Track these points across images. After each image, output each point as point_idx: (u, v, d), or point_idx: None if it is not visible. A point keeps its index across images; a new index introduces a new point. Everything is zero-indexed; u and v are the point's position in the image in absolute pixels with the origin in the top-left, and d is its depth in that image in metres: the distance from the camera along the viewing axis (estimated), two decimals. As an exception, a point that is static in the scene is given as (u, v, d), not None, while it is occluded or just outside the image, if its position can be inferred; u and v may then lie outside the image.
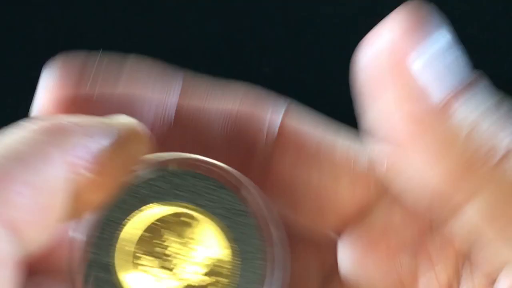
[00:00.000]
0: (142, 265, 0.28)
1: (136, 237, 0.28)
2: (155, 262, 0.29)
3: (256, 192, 0.28)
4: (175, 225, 0.29)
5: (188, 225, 0.29)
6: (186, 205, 0.28)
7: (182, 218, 0.29)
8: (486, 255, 0.27)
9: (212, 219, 0.28)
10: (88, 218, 0.28)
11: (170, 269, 0.29)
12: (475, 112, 0.26)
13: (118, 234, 0.28)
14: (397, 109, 0.26)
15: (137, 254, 0.28)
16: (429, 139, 0.26)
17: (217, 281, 0.29)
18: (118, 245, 0.28)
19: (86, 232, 0.28)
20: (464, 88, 0.26)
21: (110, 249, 0.28)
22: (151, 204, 0.28)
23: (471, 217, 0.26)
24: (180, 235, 0.29)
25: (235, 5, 0.73)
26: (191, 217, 0.29)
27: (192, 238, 0.29)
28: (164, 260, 0.29)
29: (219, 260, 0.29)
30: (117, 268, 0.28)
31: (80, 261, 0.28)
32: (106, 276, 0.28)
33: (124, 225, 0.28)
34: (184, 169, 0.28)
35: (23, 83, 0.75)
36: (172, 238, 0.29)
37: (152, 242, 0.29)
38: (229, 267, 0.28)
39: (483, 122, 0.26)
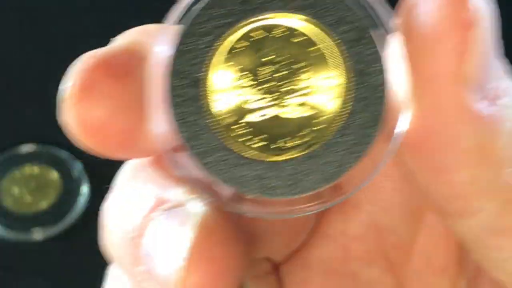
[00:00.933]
0: (236, 84, 0.24)
1: (236, 53, 0.24)
2: (252, 81, 0.24)
3: (399, 39, 0.24)
4: (284, 43, 0.24)
5: (300, 45, 0.24)
6: (306, 20, 0.23)
7: (295, 37, 0.24)
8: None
9: (332, 43, 0.23)
10: (177, 22, 0.23)
11: (265, 93, 0.24)
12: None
13: (215, 45, 0.23)
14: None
15: (233, 70, 0.24)
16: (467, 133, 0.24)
17: (316, 120, 0.24)
18: (213, 58, 0.23)
19: (176, 40, 0.23)
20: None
21: (203, 62, 0.23)
22: (261, 13, 0.23)
23: (483, 222, 0.25)
24: (287, 55, 0.24)
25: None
26: (309, 38, 0.24)
27: (301, 62, 0.24)
28: (261, 82, 0.24)
29: (327, 95, 0.24)
30: (206, 84, 0.23)
31: (166, 73, 0.23)
32: (193, 92, 0.23)
33: (224, 35, 0.23)
34: None
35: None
36: (278, 59, 0.24)
37: (253, 59, 0.24)
38: (336, 109, 0.24)
39: None
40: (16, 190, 0.70)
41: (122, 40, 0.26)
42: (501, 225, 0.25)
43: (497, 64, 0.25)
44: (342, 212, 0.30)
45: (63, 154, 0.70)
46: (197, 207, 0.24)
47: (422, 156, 0.25)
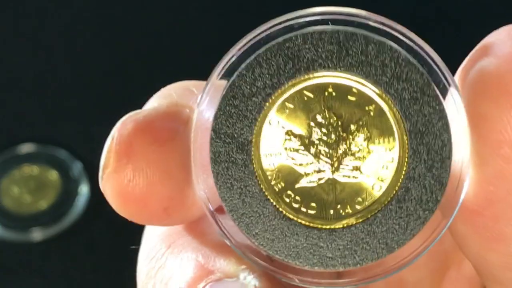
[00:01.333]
0: (286, 147, 0.22)
1: (289, 114, 0.22)
2: (304, 143, 0.22)
3: (458, 91, 0.22)
4: (337, 103, 0.22)
5: (354, 105, 0.22)
6: (359, 78, 0.22)
7: (348, 96, 0.22)
8: None
9: (388, 102, 0.22)
10: (220, 85, 0.22)
11: (318, 157, 0.22)
12: None
13: (264, 106, 0.22)
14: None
15: (284, 133, 0.22)
16: None
17: (371, 185, 0.22)
18: (261, 120, 0.22)
19: (220, 100, 0.22)
20: None
21: (251, 124, 0.22)
22: (312, 72, 0.21)
23: None
24: (340, 116, 0.22)
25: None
26: (363, 97, 0.22)
27: (356, 123, 0.22)
28: (314, 144, 0.22)
29: (383, 159, 0.22)
30: (255, 147, 0.22)
31: (209, 136, 0.22)
32: (239, 155, 0.22)
33: (273, 95, 0.22)
34: (360, 30, 0.21)
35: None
36: (331, 119, 0.22)
37: (305, 119, 0.22)
38: (394, 173, 0.22)
39: None
40: (15, 190, 0.70)
41: (162, 101, 0.24)
42: None
43: None
44: None
45: (63, 154, 0.70)
46: (251, 279, 0.23)
47: (478, 223, 0.23)
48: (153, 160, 0.23)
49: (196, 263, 0.24)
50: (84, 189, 0.68)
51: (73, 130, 0.70)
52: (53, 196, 0.69)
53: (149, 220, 0.24)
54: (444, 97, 0.21)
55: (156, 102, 0.24)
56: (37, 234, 0.67)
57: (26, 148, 0.71)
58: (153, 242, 0.26)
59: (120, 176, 0.23)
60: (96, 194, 0.68)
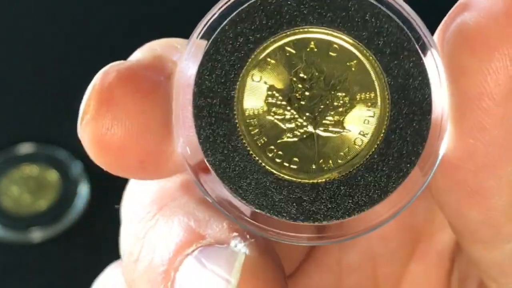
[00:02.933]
0: (269, 102, 0.22)
1: (270, 69, 0.22)
2: (286, 98, 0.22)
3: (438, 54, 0.22)
4: (318, 58, 0.22)
5: (335, 60, 0.22)
6: (340, 34, 0.22)
7: (330, 52, 0.22)
8: None
9: (369, 58, 0.22)
10: (203, 42, 0.22)
11: (300, 111, 0.22)
12: None
13: (246, 61, 0.22)
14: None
15: (266, 88, 0.22)
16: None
17: (353, 139, 0.23)
18: (243, 75, 0.22)
19: (202, 56, 0.22)
20: None
21: (234, 79, 0.22)
22: (293, 28, 0.22)
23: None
24: (322, 71, 0.22)
25: None
26: (345, 52, 0.22)
27: (337, 78, 0.22)
28: (296, 99, 0.22)
29: (365, 113, 0.22)
30: (237, 102, 0.22)
31: (192, 92, 0.22)
32: (222, 110, 0.22)
33: (256, 51, 0.22)
34: None
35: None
36: (312, 75, 0.22)
37: (287, 75, 0.22)
38: (375, 127, 0.22)
39: None
40: (15, 190, 0.70)
41: (146, 53, 0.24)
42: None
43: None
44: None
45: (62, 154, 0.70)
46: (241, 247, 0.23)
47: (459, 178, 0.23)
48: (133, 111, 0.23)
49: (187, 227, 0.24)
50: (83, 189, 0.68)
51: (73, 130, 0.70)
52: (52, 196, 0.69)
53: (124, 172, 0.24)
54: (423, 53, 0.22)
55: (140, 54, 0.24)
56: (37, 234, 0.67)
57: (26, 148, 0.71)
58: (143, 203, 0.26)
59: (98, 124, 0.23)
60: (96, 194, 0.68)
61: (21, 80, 0.74)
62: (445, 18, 0.23)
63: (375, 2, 0.22)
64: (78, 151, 0.72)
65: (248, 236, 0.23)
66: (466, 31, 0.22)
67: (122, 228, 0.28)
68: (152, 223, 0.25)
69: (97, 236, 0.66)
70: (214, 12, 0.22)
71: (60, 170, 0.69)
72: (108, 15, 0.76)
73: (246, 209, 0.23)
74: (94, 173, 0.69)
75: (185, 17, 0.72)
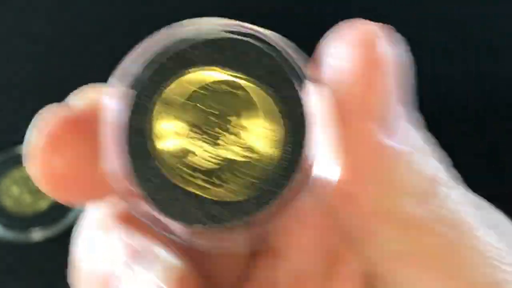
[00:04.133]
0: (179, 133, 0.27)
1: (176, 104, 0.27)
2: (194, 131, 0.27)
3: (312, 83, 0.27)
4: (218, 94, 0.26)
5: (233, 95, 0.27)
6: (233, 73, 0.26)
7: (227, 87, 0.27)
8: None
9: (261, 90, 0.26)
10: (124, 81, 0.27)
11: (209, 140, 0.27)
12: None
13: (156, 99, 0.26)
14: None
15: (175, 122, 0.27)
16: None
17: (258, 158, 0.27)
18: (155, 111, 0.26)
19: (120, 96, 0.26)
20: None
21: (146, 114, 0.26)
22: (193, 69, 0.26)
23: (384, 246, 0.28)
24: (223, 104, 0.27)
25: None
26: (237, 86, 0.26)
27: (237, 109, 0.27)
28: (205, 131, 0.27)
29: (264, 136, 0.27)
30: (153, 134, 0.26)
31: (113, 126, 0.26)
32: (140, 140, 0.26)
33: (162, 90, 0.26)
34: (233, 35, 0.26)
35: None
36: (215, 108, 0.26)
37: (193, 111, 0.27)
38: (276, 146, 0.26)
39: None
40: (15, 190, 0.70)
41: (82, 99, 0.30)
42: (401, 250, 0.28)
43: (398, 106, 0.27)
44: (268, 257, 0.31)
45: (63, 154, 0.70)
46: (169, 258, 0.28)
47: (343, 192, 0.27)
48: (73, 146, 0.28)
49: (123, 242, 0.29)
50: (84, 189, 0.68)
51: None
52: (53, 196, 0.69)
53: (68, 197, 0.30)
54: (300, 85, 0.26)
55: (75, 100, 0.30)
56: (37, 234, 0.67)
57: (26, 148, 0.71)
58: (87, 223, 0.32)
59: (45, 159, 0.28)
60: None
61: (21, 80, 0.75)
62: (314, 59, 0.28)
63: (254, 42, 0.26)
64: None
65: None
66: (334, 61, 0.27)
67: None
68: (90, 241, 0.31)
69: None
70: (130, 58, 0.27)
71: (61, 170, 0.69)
72: (108, 15, 0.76)
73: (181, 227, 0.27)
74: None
75: (185, 17, 0.72)
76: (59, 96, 0.73)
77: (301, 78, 0.26)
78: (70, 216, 0.68)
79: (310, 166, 0.26)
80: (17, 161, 0.70)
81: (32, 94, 0.73)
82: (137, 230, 0.29)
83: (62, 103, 0.30)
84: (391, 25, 0.27)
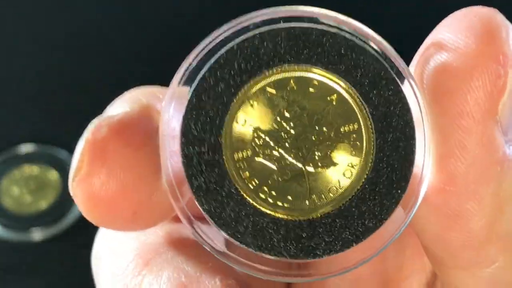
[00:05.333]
0: (256, 144, 0.23)
1: (252, 110, 0.22)
2: (272, 140, 0.23)
3: (413, 80, 0.22)
4: (300, 96, 0.23)
5: (316, 96, 0.23)
6: (318, 70, 0.22)
7: (310, 88, 0.23)
8: None
9: (349, 90, 0.22)
10: (184, 89, 0.22)
11: (287, 150, 0.23)
12: None
13: (230, 106, 0.22)
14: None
15: (252, 131, 0.23)
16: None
17: (342, 172, 0.23)
18: (228, 120, 0.22)
19: (186, 105, 0.22)
20: None
21: (219, 125, 0.22)
22: (272, 69, 0.22)
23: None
24: (304, 108, 0.23)
25: None
26: (324, 87, 0.23)
27: (320, 114, 0.23)
28: (282, 139, 0.23)
29: (351, 145, 0.23)
30: (225, 148, 0.22)
31: (180, 142, 0.22)
32: (211, 157, 0.22)
33: (237, 95, 0.22)
34: (313, 24, 0.22)
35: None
36: (296, 113, 0.23)
37: (270, 117, 0.23)
38: (362, 157, 0.23)
39: None
40: (15, 190, 0.70)
41: (132, 105, 0.24)
42: (510, 279, 0.24)
43: None
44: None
45: (63, 154, 0.70)
46: None
47: (440, 201, 0.23)
48: (127, 165, 0.23)
49: (179, 283, 0.24)
50: (84, 189, 0.68)
51: (73, 130, 0.70)
52: (53, 196, 0.69)
53: (116, 224, 0.24)
54: (400, 80, 0.22)
55: (126, 105, 0.24)
56: (37, 234, 0.67)
57: (26, 148, 0.71)
58: (128, 258, 0.26)
59: (93, 180, 0.23)
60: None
61: (21, 80, 0.74)
62: (419, 53, 0.23)
63: (348, 36, 0.22)
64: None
65: None
66: (444, 59, 0.22)
67: (100, 282, 0.27)
68: (139, 280, 0.25)
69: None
70: (193, 58, 0.22)
71: (61, 170, 0.69)
72: (109, 16, 0.76)
73: (241, 254, 0.23)
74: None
75: (185, 17, 0.72)
76: (60, 96, 0.73)
77: (405, 79, 0.22)
78: (70, 216, 0.68)
79: (419, 187, 0.23)
80: (18, 161, 0.70)
81: (32, 95, 0.73)
82: (196, 269, 0.24)
83: (111, 112, 0.24)
84: (392, 21, 0.25)
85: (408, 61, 0.24)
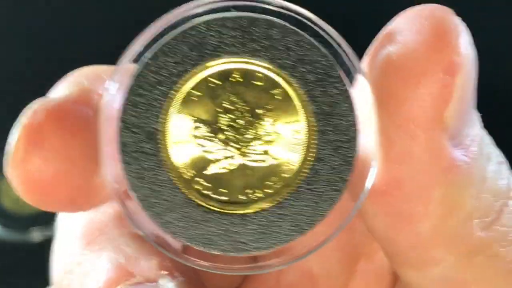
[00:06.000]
0: (194, 135, 0.22)
1: (194, 100, 0.22)
2: (212, 130, 0.22)
3: (365, 79, 0.22)
4: (243, 88, 0.22)
5: (260, 89, 0.22)
6: (264, 63, 0.22)
7: (254, 81, 0.22)
8: None
9: (293, 85, 0.22)
10: (129, 71, 0.21)
11: (227, 142, 0.22)
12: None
13: (170, 95, 0.22)
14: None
15: (191, 121, 0.22)
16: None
17: (282, 168, 0.23)
18: (167, 109, 0.22)
19: (127, 90, 0.22)
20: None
21: (158, 113, 0.22)
22: (216, 59, 0.22)
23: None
24: (247, 101, 0.22)
25: None
26: (269, 81, 0.22)
27: (262, 108, 0.22)
28: (222, 131, 0.22)
29: (291, 141, 0.22)
30: (163, 136, 0.22)
31: (117, 127, 0.22)
32: (148, 145, 0.22)
33: (179, 83, 0.22)
34: (263, 16, 0.21)
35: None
36: (237, 105, 0.22)
37: (212, 106, 0.22)
38: (302, 155, 0.22)
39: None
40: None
41: (72, 87, 0.24)
42: (460, 277, 0.24)
43: (472, 111, 0.24)
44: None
45: (63, 154, 0.70)
46: (170, 286, 0.24)
47: (388, 204, 0.23)
48: (62, 150, 0.23)
49: (117, 263, 0.24)
50: (84, 189, 0.68)
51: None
52: (53, 196, 0.69)
53: (54, 208, 0.24)
54: (349, 79, 0.22)
55: (66, 88, 0.24)
56: (37, 234, 0.67)
57: (26, 148, 0.71)
58: (71, 236, 0.26)
59: (28, 165, 0.23)
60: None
61: (21, 80, 0.74)
62: (372, 48, 0.23)
63: (298, 30, 0.21)
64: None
65: (177, 274, 0.23)
66: (394, 60, 0.22)
67: (52, 257, 0.28)
68: (80, 259, 0.25)
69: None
70: (138, 44, 0.22)
71: (60, 170, 0.69)
72: (108, 15, 0.76)
73: (176, 242, 0.23)
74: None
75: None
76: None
77: (352, 73, 0.22)
78: (70, 216, 0.68)
79: (363, 174, 0.22)
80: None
81: (32, 94, 0.73)
82: (135, 250, 0.24)
83: (48, 95, 0.24)
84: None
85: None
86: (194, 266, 0.23)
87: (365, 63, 0.23)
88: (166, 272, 0.24)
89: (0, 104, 0.74)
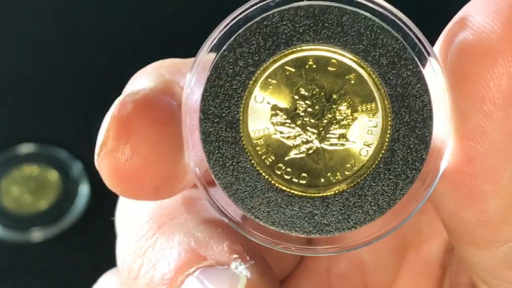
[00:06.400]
0: (274, 122, 0.23)
1: (271, 88, 0.23)
2: (289, 117, 0.23)
3: (437, 60, 0.22)
4: (318, 74, 0.23)
5: (334, 75, 0.23)
6: (337, 49, 0.22)
7: (328, 67, 0.23)
8: None
9: (367, 69, 0.23)
10: (206, 63, 0.22)
11: (305, 128, 0.23)
12: None
13: (248, 84, 0.23)
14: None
15: (269, 108, 0.23)
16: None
17: (357, 151, 0.23)
18: (246, 98, 0.23)
19: (205, 82, 0.22)
20: None
21: (237, 102, 0.22)
22: (291, 47, 0.22)
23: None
24: (322, 87, 0.23)
25: None
26: (343, 66, 0.23)
27: (338, 92, 0.23)
28: (299, 116, 0.23)
29: (367, 124, 0.23)
30: (243, 124, 0.23)
31: (198, 117, 0.22)
32: (229, 134, 0.23)
33: (256, 73, 0.23)
34: (334, 3, 0.22)
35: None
36: (313, 91, 0.23)
37: (289, 93, 0.23)
38: (379, 136, 0.23)
39: None
40: (15, 190, 0.70)
41: (156, 80, 0.25)
42: None
43: None
44: None
45: (63, 154, 0.70)
46: (242, 269, 0.24)
47: (457, 180, 0.24)
48: (151, 140, 0.24)
49: (188, 247, 0.25)
50: (84, 189, 0.68)
51: (73, 130, 0.70)
52: (53, 196, 0.69)
53: (139, 197, 0.25)
54: (420, 60, 0.22)
55: (150, 81, 0.25)
56: (37, 234, 0.67)
57: (26, 148, 0.71)
58: (143, 220, 0.27)
59: (118, 155, 0.24)
60: (96, 194, 0.68)
61: (21, 80, 0.74)
62: (445, 33, 0.23)
63: (369, 15, 0.22)
64: (78, 151, 0.72)
65: (248, 258, 0.24)
66: (470, 39, 0.22)
67: (119, 243, 0.28)
68: (152, 242, 0.26)
69: (97, 236, 0.66)
70: (214, 37, 0.22)
71: (61, 170, 0.69)
72: (109, 16, 0.76)
73: (260, 226, 0.23)
74: (94, 173, 0.69)
75: (185, 17, 0.72)
76: (60, 96, 0.73)
77: (423, 55, 0.22)
78: (70, 217, 0.68)
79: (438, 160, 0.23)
80: (18, 161, 0.70)
81: (32, 95, 0.73)
82: (205, 235, 0.25)
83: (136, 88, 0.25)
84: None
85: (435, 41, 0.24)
86: (278, 248, 0.24)
87: (440, 45, 0.23)
88: (237, 256, 0.24)
89: (0, 104, 0.74)
